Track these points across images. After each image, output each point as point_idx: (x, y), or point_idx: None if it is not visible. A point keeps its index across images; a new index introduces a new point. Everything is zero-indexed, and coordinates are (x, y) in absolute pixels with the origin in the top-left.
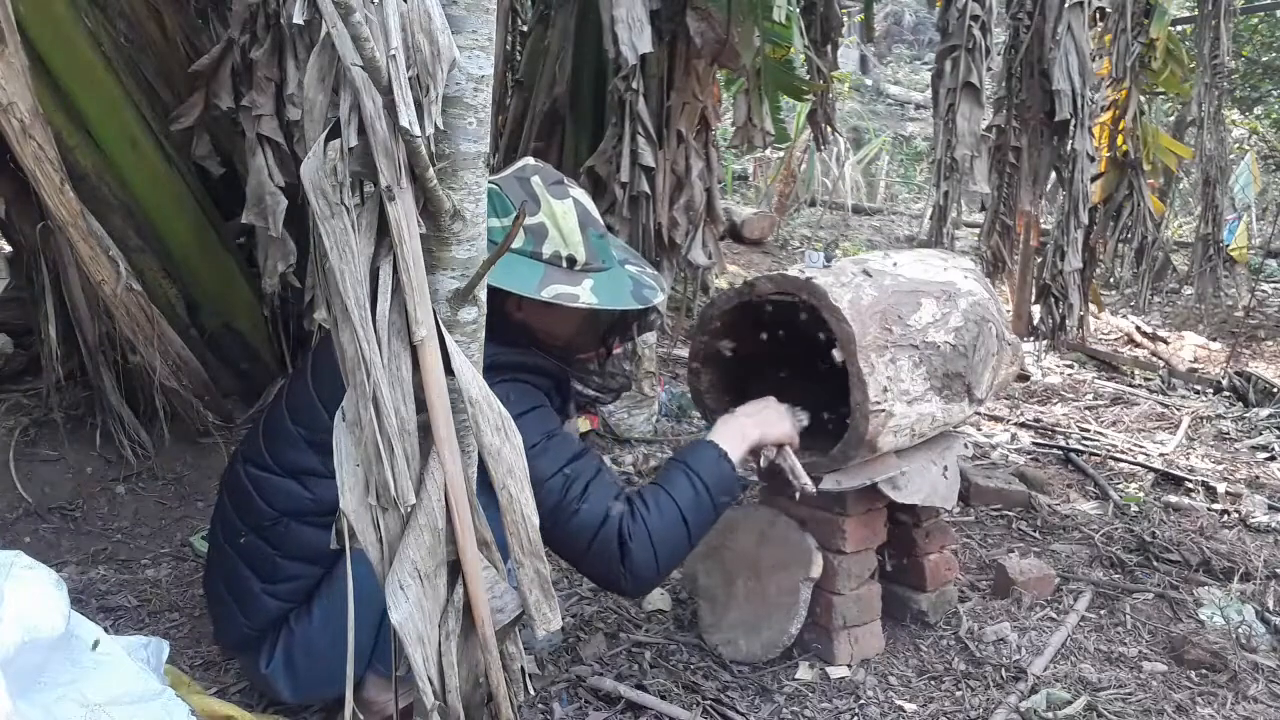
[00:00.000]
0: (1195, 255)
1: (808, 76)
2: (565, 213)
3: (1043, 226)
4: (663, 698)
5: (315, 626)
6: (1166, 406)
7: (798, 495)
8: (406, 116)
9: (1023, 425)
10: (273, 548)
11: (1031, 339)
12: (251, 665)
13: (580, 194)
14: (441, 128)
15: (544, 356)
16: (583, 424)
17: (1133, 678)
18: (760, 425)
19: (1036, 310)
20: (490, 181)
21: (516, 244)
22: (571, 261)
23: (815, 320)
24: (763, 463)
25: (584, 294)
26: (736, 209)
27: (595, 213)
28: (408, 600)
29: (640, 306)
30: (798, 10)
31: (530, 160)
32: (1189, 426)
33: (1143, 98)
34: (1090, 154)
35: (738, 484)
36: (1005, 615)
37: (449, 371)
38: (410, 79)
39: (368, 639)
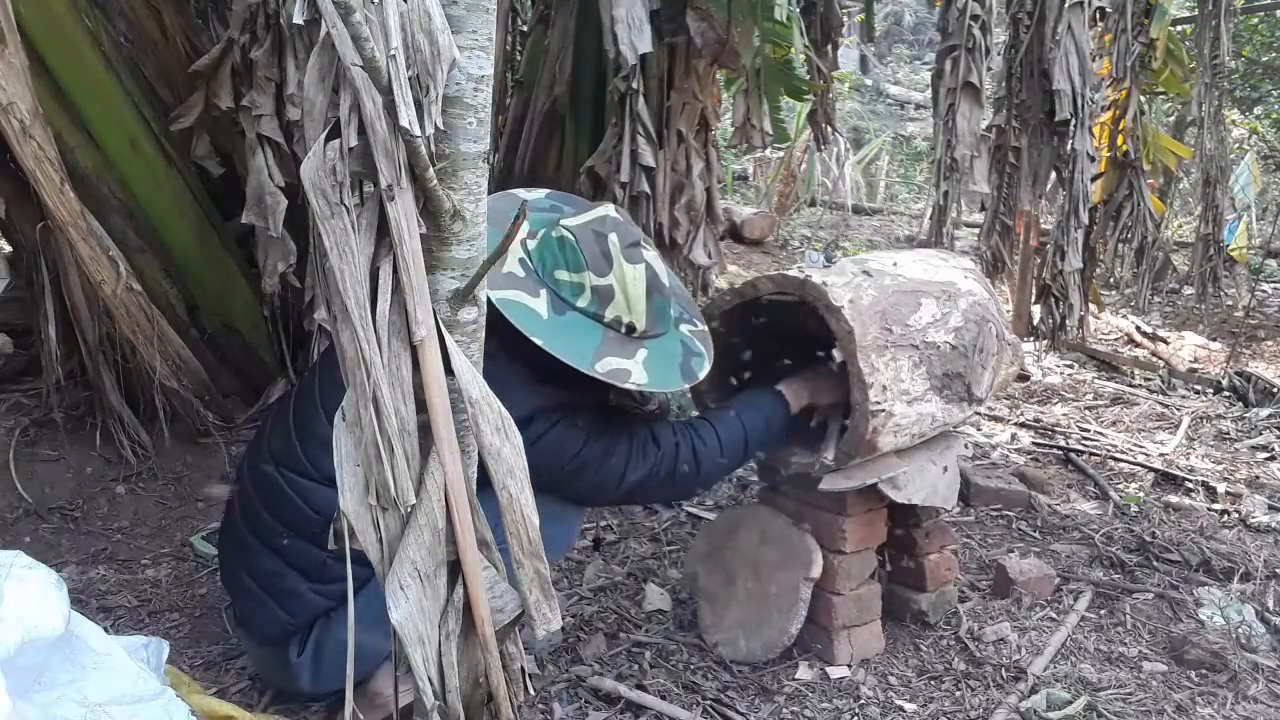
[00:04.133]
0: (1195, 255)
1: (808, 76)
2: (636, 279)
3: (1043, 226)
4: (663, 698)
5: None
6: (1166, 406)
7: (816, 465)
8: (406, 116)
9: (1023, 425)
10: (322, 549)
11: (1031, 339)
12: (280, 656)
13: (653, 256)
14: (441, 128)
15: (582, 391)
16: None
17: (1133, 678)
18: (815, 392)
19: (1036, 310)
20: (567, 229)
21: (582, 303)
22: (631, 329)
23: (816, 320)
24: (814, 422)
25: (636, 371)
26: (736, 209)
27: (663, 274)
28: (408, 600)
29: (685, 386)
30: (798, 10)
31: (610, 211)
32: (1189, 426)
33: (1143, 98)
34: (1090, 154)
35: (786, 429)
36: (1005, 615)
37: (449, 371)
38: (410, 79)
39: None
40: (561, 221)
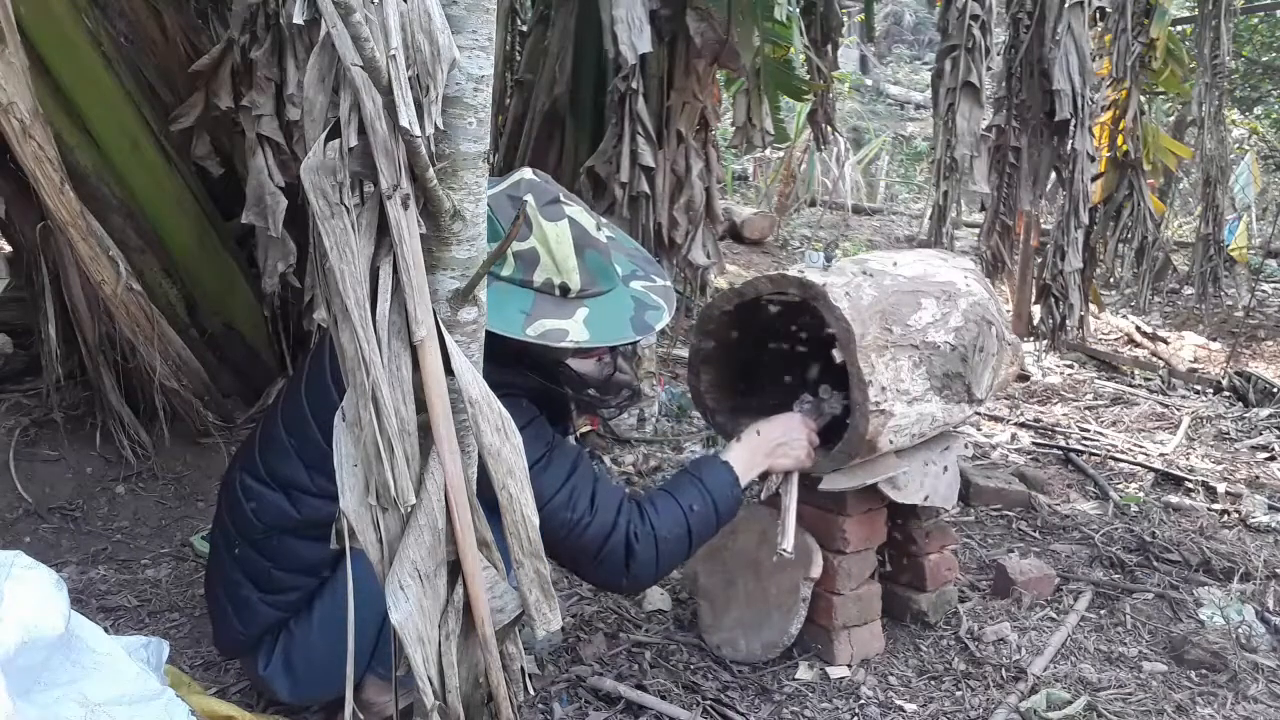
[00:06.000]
0: (1195, 255)
1: (808, 76)
2: (559, 236)
3: (1043, 226)
4: (663, 698)
5: (315, 629)
6: (1166, 406)
7: (774, 557)
8: (406, 116)
9: (1023, 425)
10: (266, 560)
11: (1031, 339)
12: (250, 667)
13: (577, 211)
14: (441, 128)
15: (533, 376)
16: (582, 424)
17: (1133, 678)
18: (773, 456)
19: (1036, 310)
20: None
21: (506, 271)
22: (565, 290)
23: (816, 320)
24: (764, 495)
25: (574, 329)
26: (736, 209)
27: (594, 230)
28: (408, 600)
29: (636, 338)
30: (798, 10)
31: (526, 174)
32: (1189, 426)
33: (1143, 98)
34: (1090, 154)
35: (739, 506)
36: (1005, 615)
37: (449, 371)
38: (410, 79)
39: (368, 641)
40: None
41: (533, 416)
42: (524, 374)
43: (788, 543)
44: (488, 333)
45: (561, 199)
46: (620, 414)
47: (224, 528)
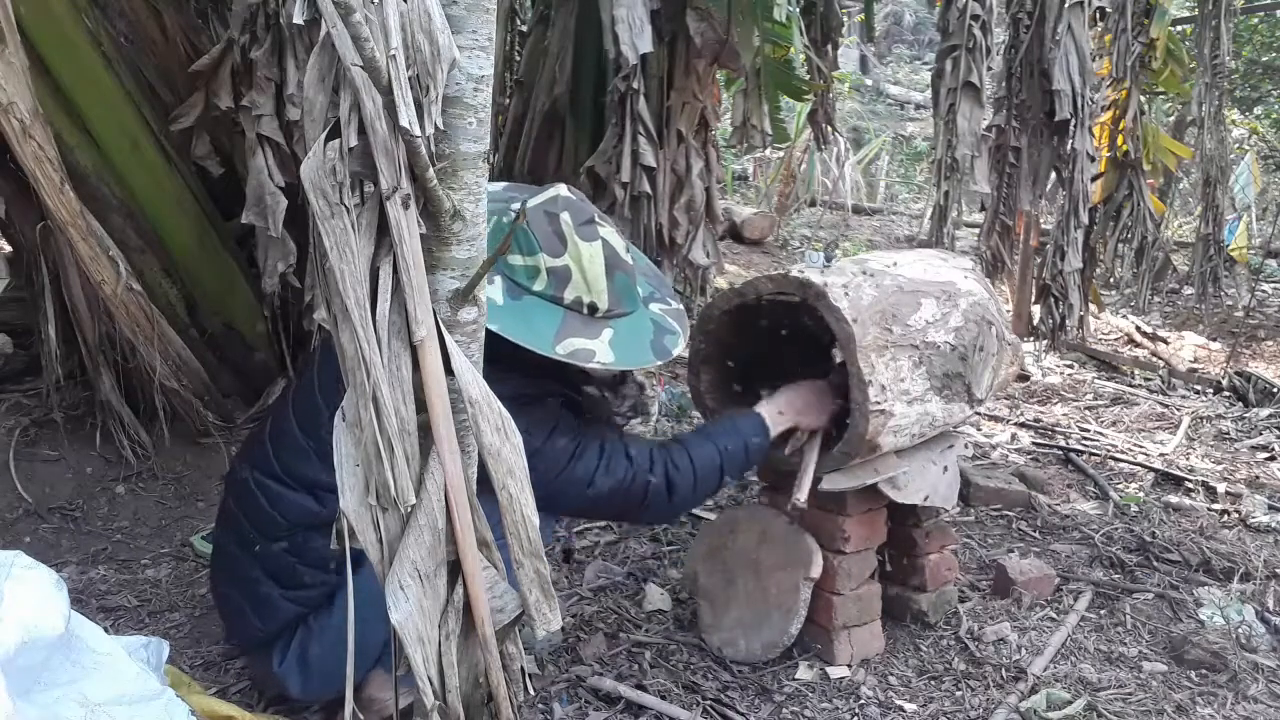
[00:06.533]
0: (1195, 255)
1: (808, 76)
2: (592, 257)
3: (1043, 226)
4: (663, 698)
5: (335, 623)
6: (1166, 406)
7: (789, 505)
8: (406, 116)
9: (1023, 425)
10: (292, 556)
11: (1031, 339)
12: (263, 664)
13: (610, 232)
14: (441, 128)
15: (552, 383)
16: None
17: (1133, 678)
18: (800, 413)
19: (1036, 310)
20: (518, 213)
21: (538, 286)
22: (593, 309)
23: (816, 320)
24: (788, 449)
25: (601, 350)
26: (736, 209)
27: (624, 251)
28: (408, 600)
29: (656, 361)
30: (798, 10)
31: (562, 191)
32: (1189, 426)
33: (1143, 98)
34: (1090, 154)
35: (765, 453)
36: (1005, 615)
37: (449, 371)
38: (410, 79)
39: (379, 636)
40: (512, 206)
41: (558, 417)
42: (538, 382)
43: (802, 494)
44: (509, 341)
45: (596, 219)
46: (627, 422)
47: (237, 526)
